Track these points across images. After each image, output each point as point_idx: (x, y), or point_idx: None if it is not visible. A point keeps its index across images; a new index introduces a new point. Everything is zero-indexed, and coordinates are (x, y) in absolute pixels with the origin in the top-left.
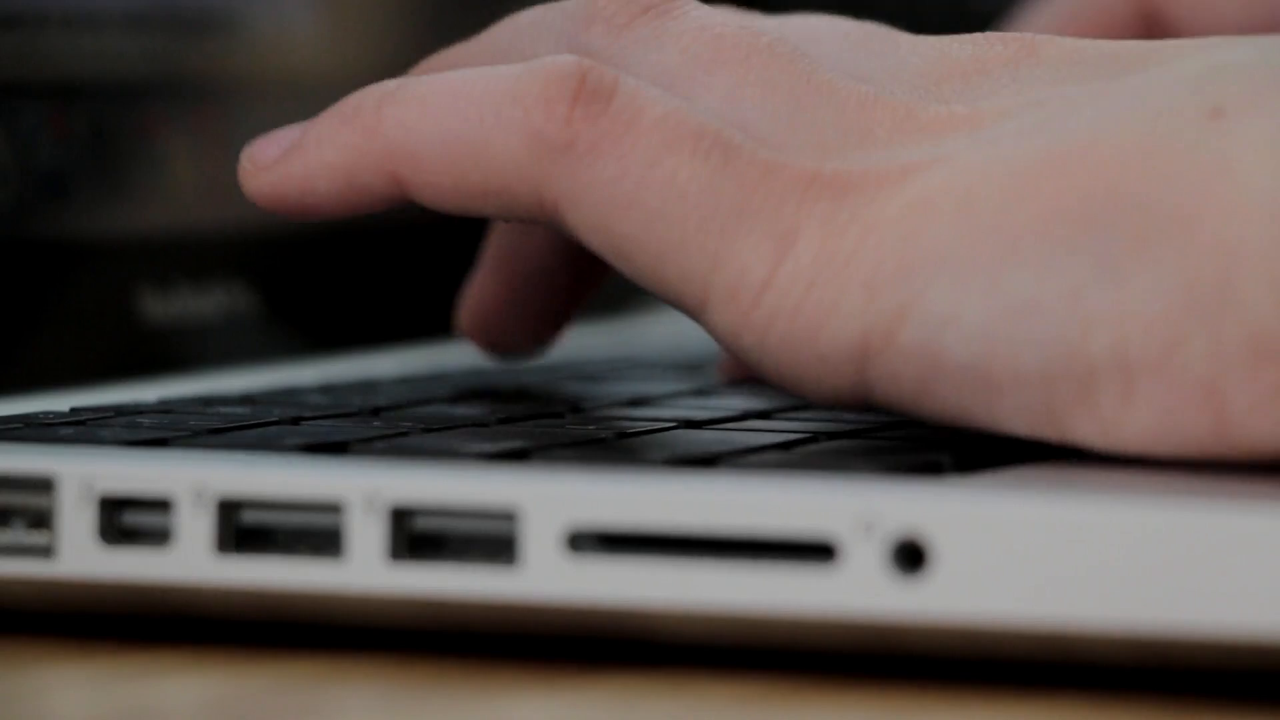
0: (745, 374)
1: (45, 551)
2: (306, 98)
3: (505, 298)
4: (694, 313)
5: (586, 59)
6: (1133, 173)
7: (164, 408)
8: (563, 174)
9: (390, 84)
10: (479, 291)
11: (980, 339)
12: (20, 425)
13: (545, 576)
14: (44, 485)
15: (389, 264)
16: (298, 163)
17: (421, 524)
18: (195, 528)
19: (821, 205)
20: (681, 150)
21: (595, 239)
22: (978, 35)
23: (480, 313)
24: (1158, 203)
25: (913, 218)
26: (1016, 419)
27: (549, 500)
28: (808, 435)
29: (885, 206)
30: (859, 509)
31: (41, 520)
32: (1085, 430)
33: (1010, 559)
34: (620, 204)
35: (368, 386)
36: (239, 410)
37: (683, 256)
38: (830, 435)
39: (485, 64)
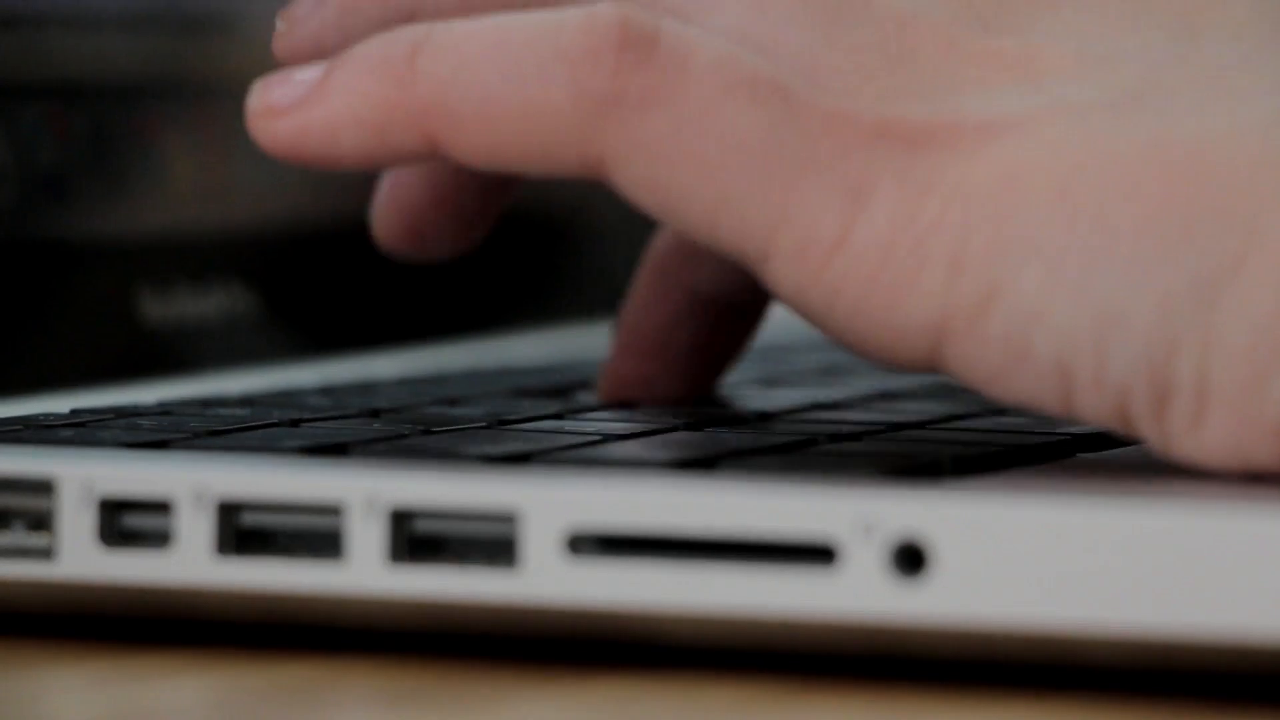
0: (628, 376)
1: (45, 553)
2: None
3: (430, 199)
4: (753, 266)
5: (624, 4)
6: (1242, 188)
7: (164, 409)
8: (612, 129)
9: (420, 29)
10: (400, 191)
11: (1066, 339)
12: (20, 427)
13: (545, 579)
14: (44, 487)
15: (389, 264)
16: (319, 111)
17: (421, 526)
18: (195, 530)
19: (894, 159)
20: (737, 97)
21: (646, 195)
22: None
23: (403, 214)
24: (1263, 226)
25: (1004, 194)
26: (1089, 413)
27: (549, 502)
28: (808, 437)
29: (969, 174)
30: (859, 512)
31: (41, 522)
32: (1151, 435)
33: (1010, 562)
34: (675, 157)
35: (367, 388)
36: (239, 412)
37: (744, 209)
38: (830, 438)
39: None
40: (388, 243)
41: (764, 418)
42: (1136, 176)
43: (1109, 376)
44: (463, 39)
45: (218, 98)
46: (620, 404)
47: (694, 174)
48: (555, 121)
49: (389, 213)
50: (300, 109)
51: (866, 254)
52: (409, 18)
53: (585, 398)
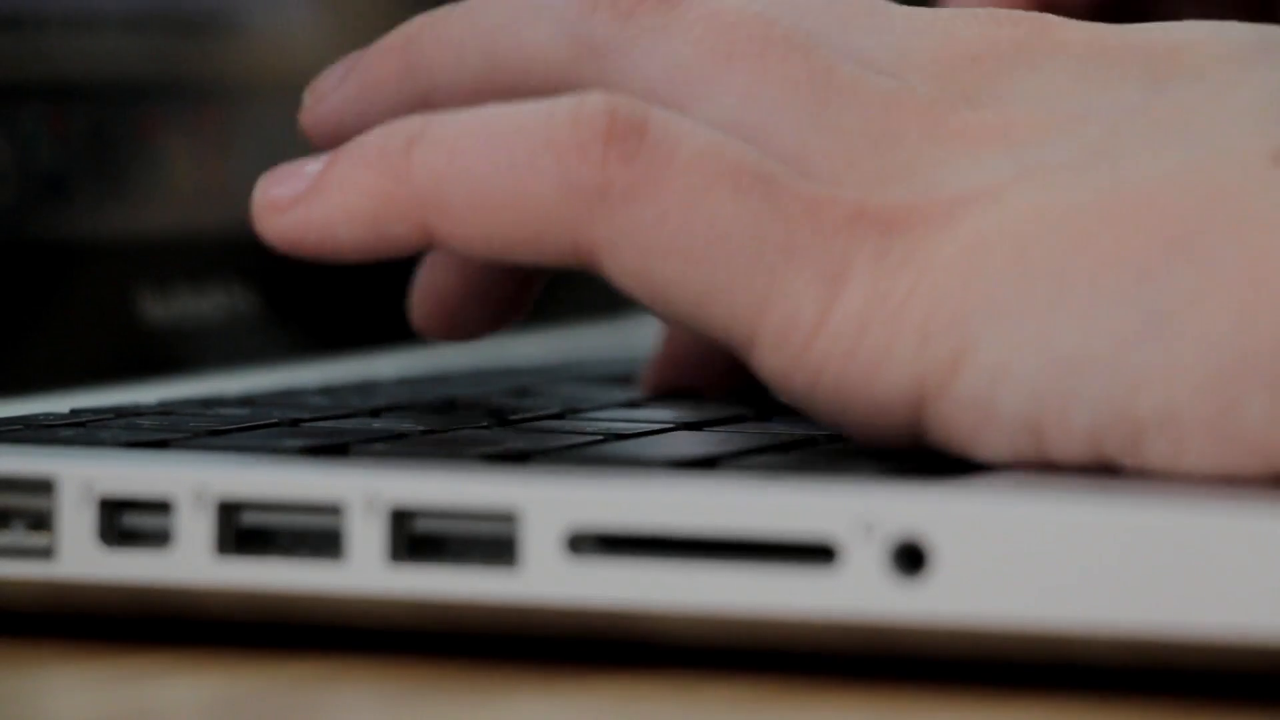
0: (668, 385)
1: (45, 553)
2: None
3: (461, 288)
4: (740, 352)
5: (614, 95)
6: (1192, 224)
7: (164, 409)
8: (599, 220)
9: (416, 122)
10: (434, 277)
11: (1030, 391)
12: (20, 427)
13: (545, 578)
14: (44, 487)
15: (389, 264)
16: (318, 206)
17: (422, 526)
18: (195, 529)
19: (870, 243)
20: (721, 189)
21: (634, 284)
22: (979, 10)
23: (438, 300)
24: (1217, 257)
25: (967, 262)
26: (1068, 462)
27: (549, 502)
28: (808, 437)
29: (938, 248)
30: (859, 511)
31: (41, 522)
32: (1134, 469)
33: (1010, 561)
34: (660, 248)
35: (368, 388)
36: (239, 412)
37: (728, 298)
38: (830, 437)
39: (481, 50)
40: (423, 327)
41: (764, 417)
42: (1090, 231)
43: (1077, 421)
44: (457, 131)
45: (218, 98)
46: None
47: (679, 265)
48: (543, 212)
49: (424, 299)
50: (300, 204)
51: (844, 332)
52: (424, 100)
53: (585, 399)
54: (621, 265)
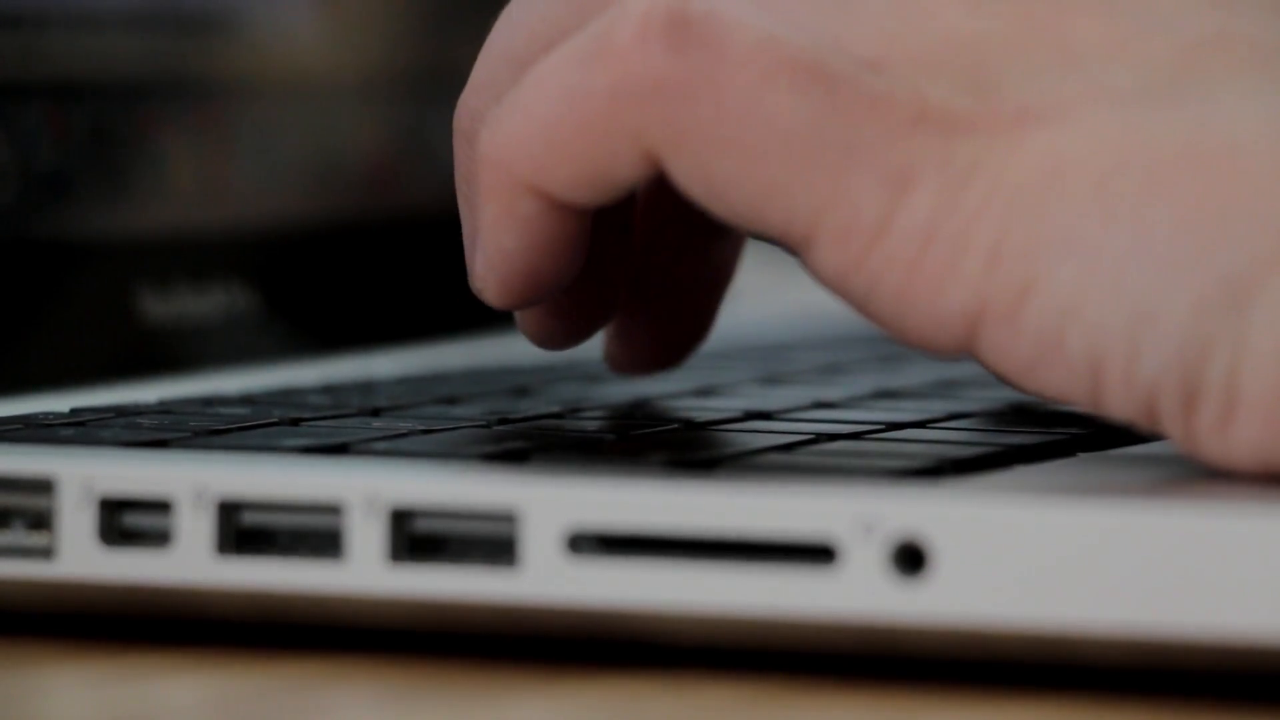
0: (628, 368)
1: (45, 553)
2: (306, 98)
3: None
4: (796, 250)
5: None
6: (1272, 187)
7: (164, 408)
8: (658, 118)
9: (489, 115)
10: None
11: (1099, 335)
12: (20, 426)
13: (545, 578)
14: (44, 486)
15: (389, 264)
16: (486, 257)
17: (421, 525)
18: (195, 529)
19: (935, 146)
20: (779, 84)
21: (696, 184)
22: None
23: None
24: None
25: (1043, 188)
26: (1117, 409)
27: (549, 502)
28: (808, 437)
29: (1007, 163)
30: (859, 511)
31: (42, 521)
32: (1177, 434)
33: (1010, 561)
34: (719, 144)
35: (367, 387)
36: (239, 411)
37: (788, 196)
38: (830, 437)
39: (507, 67)
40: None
41: (764, 417)
42: (1173, 175)
43: (1140, 374)
44: (523, 98)
45: (218, 98)
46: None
47: (738, 162)
48: (607, 126)
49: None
50: (480, 264)
51: (908, 241)
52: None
53: (585, 399)
54: (682, 166)
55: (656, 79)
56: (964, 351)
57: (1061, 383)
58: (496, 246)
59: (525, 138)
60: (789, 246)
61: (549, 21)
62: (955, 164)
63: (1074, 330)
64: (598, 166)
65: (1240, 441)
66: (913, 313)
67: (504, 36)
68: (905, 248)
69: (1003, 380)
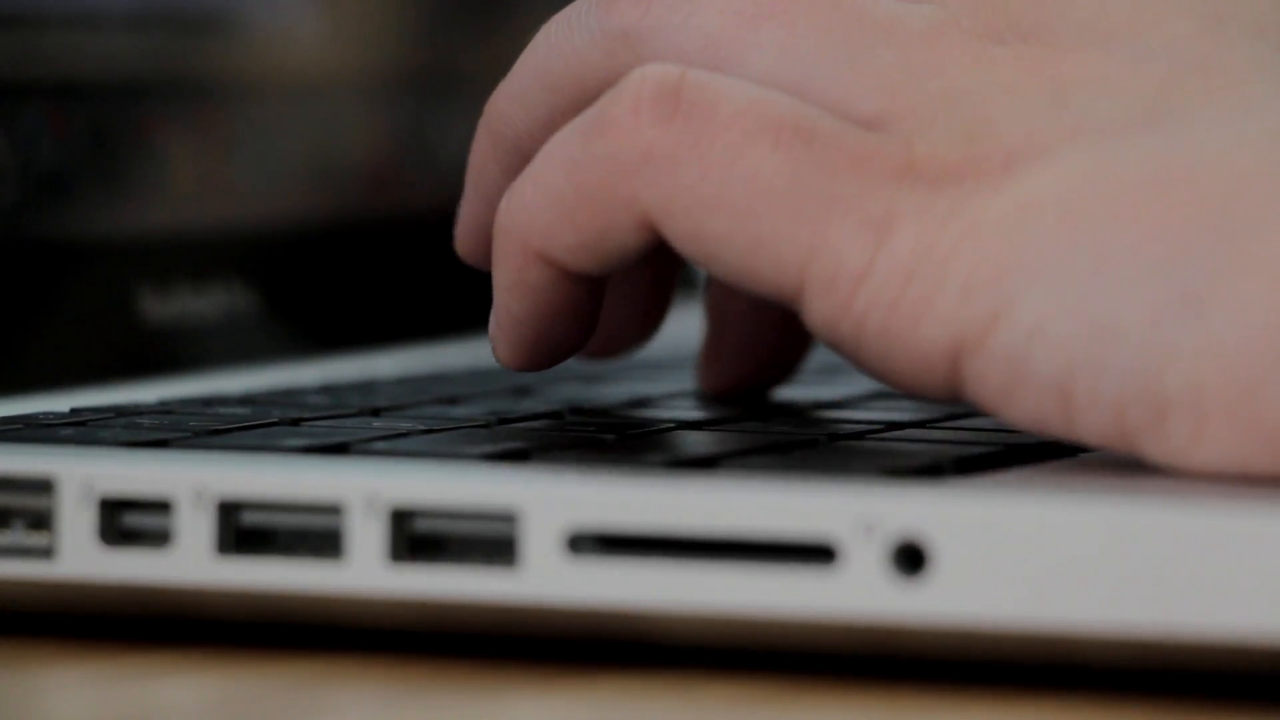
0: (723, 387)
1: (45, 553)
2: (306, 98)
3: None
4: (789, 303)
5: (648, 65)
6: (1236, 202)
7: (164, 408)
8: (649, 186)
9: (509, 190)
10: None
11: (1063, 355)
12: (20, 426)
13: (545, 578)
14: (44, 486)
15: (389, 264)
16: (496, 320)
17: (422, 525)
18: (195, 529)
19: (917, 194)
20: (761, 144)
21: (690, 246)
22: None
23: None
24: (1254, 236)
25: (1015, 221)
26: (1091, 434)
27: (549, 502)
28: (808, 437)
29: (988, 204)
30: (859, 511)
31: (42, 521)
32: (1154, 452)
33: (1010, 561)
34: (707, 205)
35: (368, 387)
36: (239, 411)
37: (775, 249)
38: (831, 437)
39: (539, 84)
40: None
41: (764, 417)
42: (1136, 198)
43: (1105, 390)
44: (535, 171)
45: (218, 98)
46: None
47: (725, 221)
48: (606, 195)
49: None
50: (497, 330)
51: (889, 281)
52: (522, 159)
53: (585, 398)
54: (676, 228)
55: (645, 148)
56: (951, 389)
57: (1034, 408)
58: (506, 311)
59: (536, 207)
60: (784, 300)
61: (580, 57)
62: (935, 210)
63: (1040, 350)
64: (600, 234)
65: (1215, 450)
66: (896, 353)
67: (540, 55)
68: (887, 288)
69: (987, 413)
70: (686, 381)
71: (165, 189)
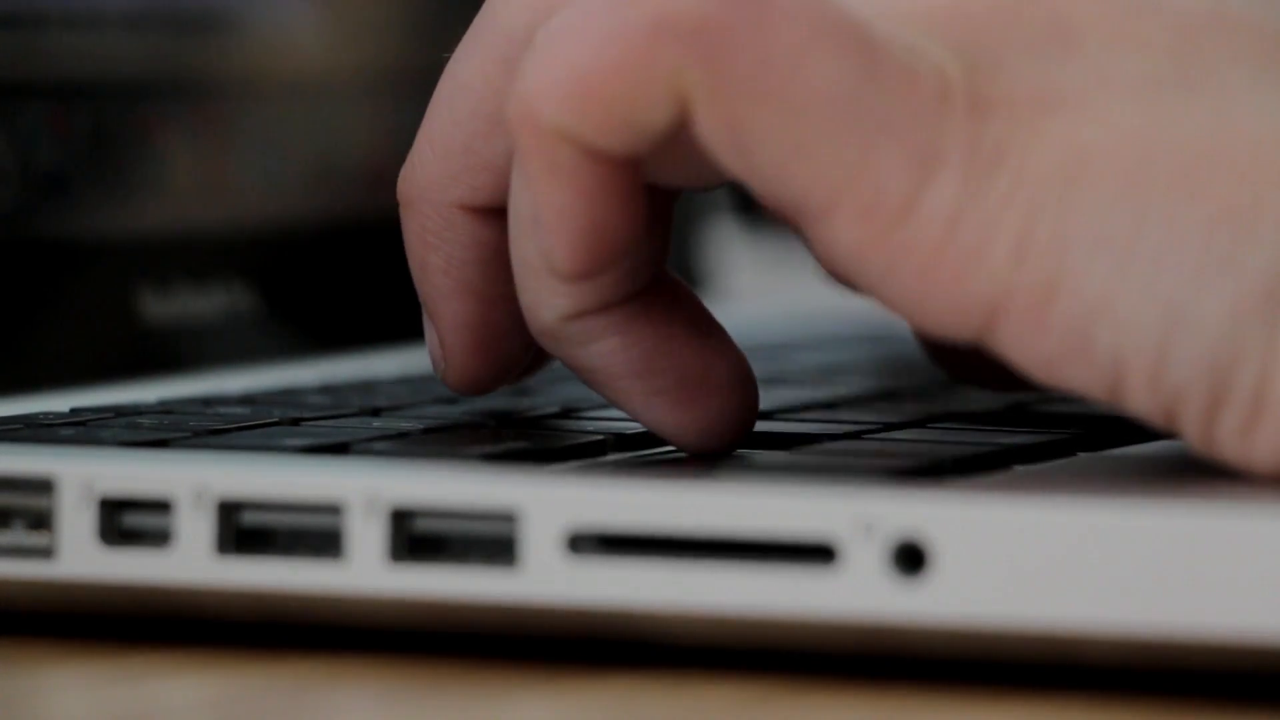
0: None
1: (45, 552)
2: (306, 98)
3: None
4: (810, 219)
5: None
6: None
7: (164, 408)
8: (698, 59)
9: (517, 69)
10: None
11: (1127, 336)
12: (20, 426)
13: (545, 578)
14: (44, 486)
15: (389, 264)
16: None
17: (422, 525)
18: (195, 529)
19: (961, 126)
20: (824, 46)
21: (724, 135)
22: None
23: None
24: None
25: (1069, 181)
26: (1136, 407)
27: (549, 502)
28: (808, 437)
29: (1031, 152)
30: (859, 511)
31: (42, 521)
32: (1194, 436)
33: (1010, 561)
34: (755, 97)
35: (368, 387)
36: (239, 411)
37: (814, 159)
38: (831, 437)
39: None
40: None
41: (764, 417)
42: (1201, 172)
43: (1167, 376)
44: (554, 46)
45: (218, 98)
46: None
47: (772, 118)
48: (640, 61)
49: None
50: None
51: (932, 225)
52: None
53: (585, 399)
54: (714, 113)
55: (702, 18)
56: (978, 340)
57: (1083, 379)
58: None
59: (555, 84)
60: (800, 217)
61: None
62: (982, 148)
63: (1103, 329)
64: (631, 109)
65: (1262, 446)
66: (933, 299)
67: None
68: (929, 231)
69: (1017, 370)
70: None
71: (165, 189)
